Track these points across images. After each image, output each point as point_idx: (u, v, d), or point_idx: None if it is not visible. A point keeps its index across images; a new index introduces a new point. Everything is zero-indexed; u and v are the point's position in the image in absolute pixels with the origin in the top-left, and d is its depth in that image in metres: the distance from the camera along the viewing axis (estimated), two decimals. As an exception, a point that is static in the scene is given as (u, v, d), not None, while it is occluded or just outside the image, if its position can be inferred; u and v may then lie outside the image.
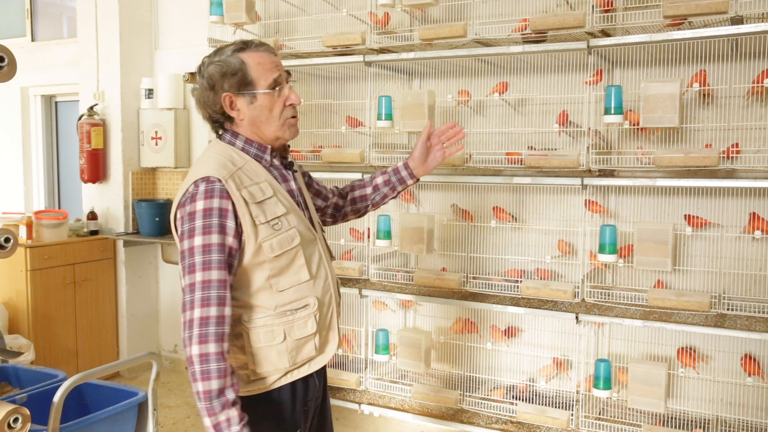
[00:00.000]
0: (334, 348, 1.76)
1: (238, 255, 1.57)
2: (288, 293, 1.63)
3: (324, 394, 1.87)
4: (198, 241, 1.52)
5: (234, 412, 1.49)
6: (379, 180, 2.10)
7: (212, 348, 1.48)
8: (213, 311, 1.49)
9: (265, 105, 1.67)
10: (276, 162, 1.73)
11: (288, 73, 1.74)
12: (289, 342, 1.63)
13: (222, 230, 1.53)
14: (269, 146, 1.71)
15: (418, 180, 2.10)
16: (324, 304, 1.71)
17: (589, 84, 2.79)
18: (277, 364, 1.63)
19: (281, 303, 1.62)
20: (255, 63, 1.66)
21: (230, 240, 1.55)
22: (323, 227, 1.95)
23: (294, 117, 1.73)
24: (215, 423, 1.48)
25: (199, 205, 1.54)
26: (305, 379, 1.71)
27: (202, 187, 1.56)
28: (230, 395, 1.49)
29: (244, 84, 1.65)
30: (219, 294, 1.51)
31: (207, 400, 1.47)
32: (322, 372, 1.81)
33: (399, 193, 2.12)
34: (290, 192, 1.73)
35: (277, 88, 1.68)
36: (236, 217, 1.56)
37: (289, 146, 1.81)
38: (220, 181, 1.56)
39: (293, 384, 1.68)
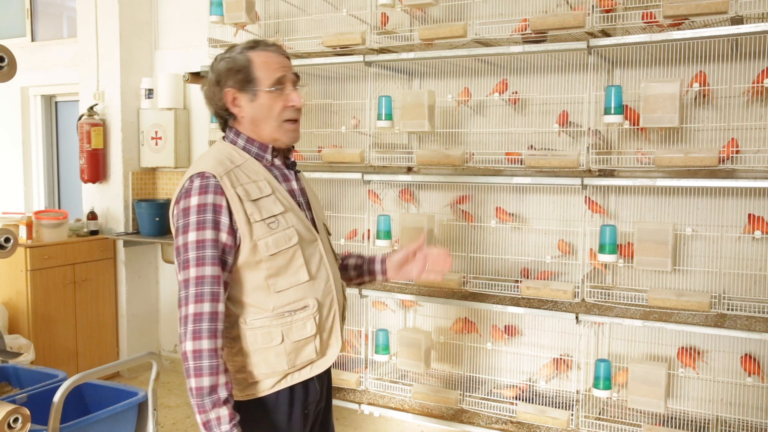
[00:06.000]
0: (337, 351, 1.73)
1: (233, 252, 1.57)
2: (287, 294, 1.62)
3: (328, 399, 1.85)
4: (192, 236, 1.52)
5: (225, 411, 1.48)
6: (351, 261, 1.99)
7: (205, 344, 1.48)
8: (206, 307, 1.49)
9: (265, 104, 1.67)
10: (277, 162, 1.73)
11: (296, 75, 1.74)
12: (288, 344, 1.61)
13: (216, 226, 1.54)
14: (270, 146, 1.71)
15: (385, 280, 1.98)
16: (324, 305, 1.69)
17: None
18: (275, 367, 1.61)
19: (279, 304, 1.61)
20: (261, 62, 1.67)
21: (224, 236, 1.54)
22: (329, 231, 1.93)
23: (293, 121, 1.72)
24: (205, 420, 1.48)
25: (194, 200, 1.55)
26: (305, 383, 1.69)
27: (196, 182, 1.56)
28: (222, 393, 1.49)
29: (247, 81, 1.66)
30: (213, 290, 1.51)
31: (198, 396, 1.47)
32: (325, 376, 1.78)
33: (361, 283, 2.02)
34: (291, 192, 1.72)
35: (279, 88, 1.68)
36: (230, 213, 1.56)
37: (292, 148, 1.81)
38: (214, 176, 1.57)
39: (292, 388, 1.66)
